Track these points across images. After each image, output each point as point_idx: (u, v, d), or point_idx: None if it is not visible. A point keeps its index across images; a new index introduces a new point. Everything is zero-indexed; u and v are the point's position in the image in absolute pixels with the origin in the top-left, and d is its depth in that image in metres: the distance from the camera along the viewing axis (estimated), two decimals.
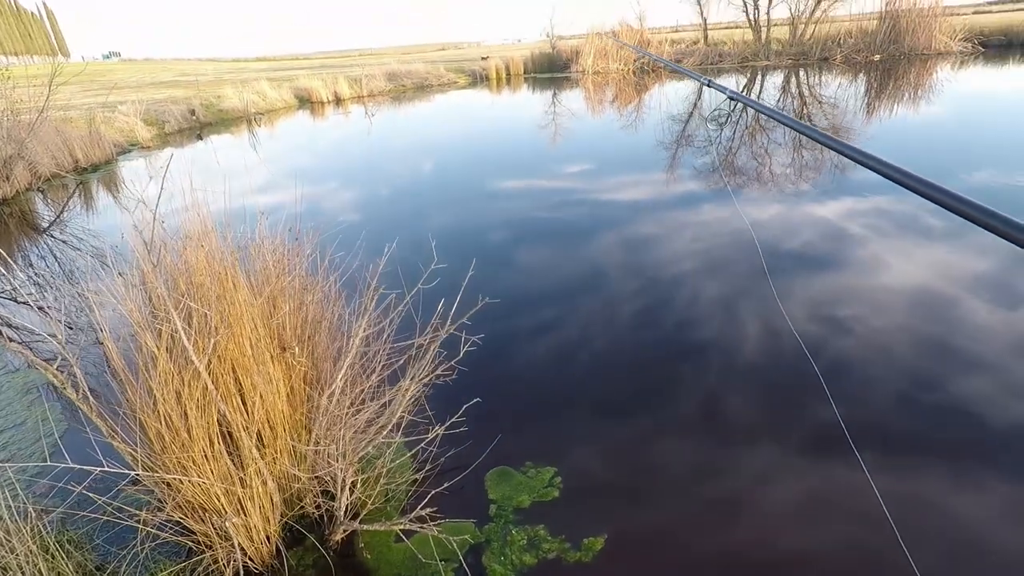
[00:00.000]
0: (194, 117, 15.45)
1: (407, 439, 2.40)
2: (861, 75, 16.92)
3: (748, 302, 4.02)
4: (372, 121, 15.63)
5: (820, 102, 12.80)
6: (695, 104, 14.11)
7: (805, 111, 11.80)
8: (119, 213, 7.81)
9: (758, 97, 14.39)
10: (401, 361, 2.56)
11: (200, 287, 2.12)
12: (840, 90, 14.46)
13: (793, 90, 15.38)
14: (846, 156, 1.25)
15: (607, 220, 6.11)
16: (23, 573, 2.05)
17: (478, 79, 24.60)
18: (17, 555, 2.05)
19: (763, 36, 22.41)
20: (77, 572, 2.24)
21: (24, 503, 2.24)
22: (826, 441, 2.65)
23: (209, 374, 2.04)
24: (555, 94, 18.14)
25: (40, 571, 2.11)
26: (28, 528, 2.16)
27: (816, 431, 2.74)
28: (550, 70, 24.41)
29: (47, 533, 2.26)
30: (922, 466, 2.51)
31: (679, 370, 3.33)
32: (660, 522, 2.33)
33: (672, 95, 15.93)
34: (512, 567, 2.16)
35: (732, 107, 12.86)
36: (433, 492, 2.37)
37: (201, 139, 13.72)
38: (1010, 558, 2.07)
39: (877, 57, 19.55)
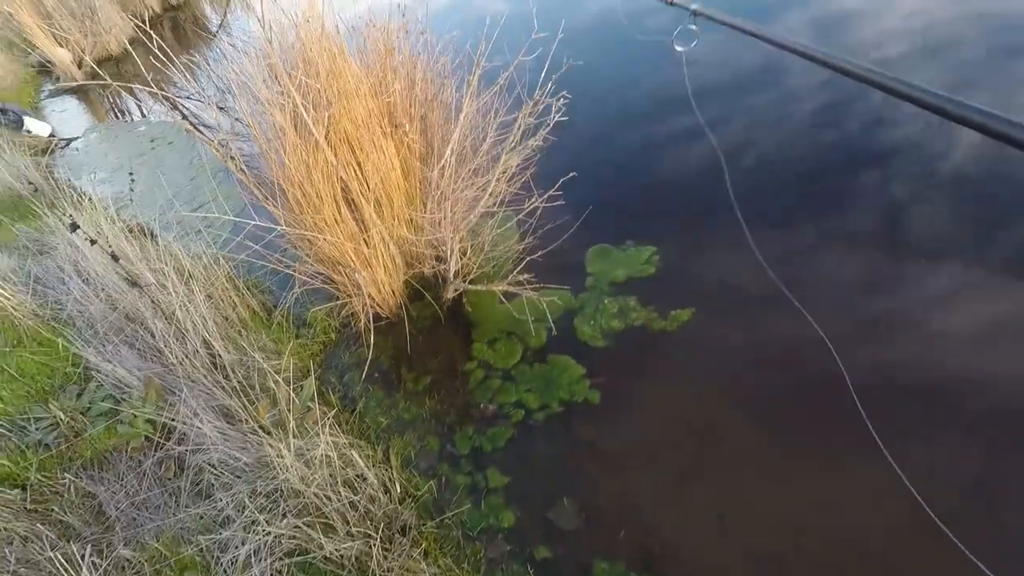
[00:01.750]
0: None
1: (513, 210, 2.52)
2: None
3: None
4: None
5: None
6: None
7: None
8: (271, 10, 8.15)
9: None
10: (507, 138, 2.58)
11: (312, 63, 2.25)
12: None
13: None
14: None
15: None
16: (223, 301, 2.70)
17: None
18: (216, 287, 2.68)
19: None
20: (260, 307, 2.89)
21: (217, 254, 2.85)
22: None
23: (329, 146, 2.26)
24: None
25: (235, 302, 2.76)
26: (222, 271, 2.78)
27: None
28: None
29: (236, 276, 2.89)
30: None
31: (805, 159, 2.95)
32: (741, 305, 2.30)
33: None
34: (599, 330, 2.34)
35: None
36: (536, 262, 2.53)
37: None
38: None
39: None
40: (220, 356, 2.40)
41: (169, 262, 2.65)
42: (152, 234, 3.69)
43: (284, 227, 2.40)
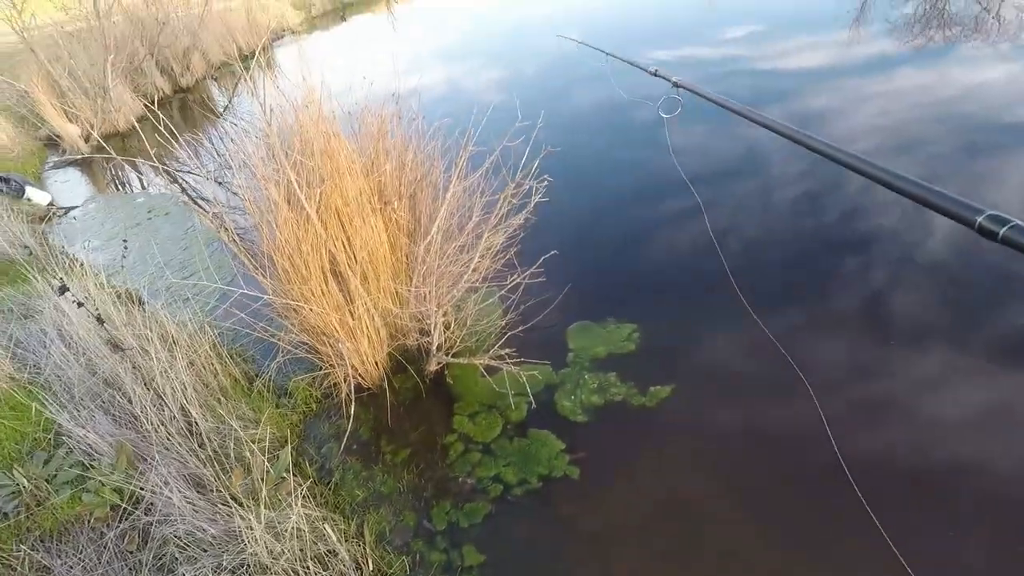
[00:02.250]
0: None
1: (497, 286, 2.60)
2: None
3: None
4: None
5: None
6: None
7: None
8: (275, 93, 8.63)
9: None
10: (492, 218, 2.71)
11: (308, 144, 2.40)
12: None
13: None
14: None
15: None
16: (205, 368, 2.70)
17: None
18: (199, 354, 2.69)
19: None
20: (242, 375, 2.89)
21: (203, 320, 2.89)
22: None
23: (319, 220, 2.36)
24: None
25: (216, 369, 2.76)
26: (207, 338, 2.80)
27: None
28: None
29: (220, 344, 2.91)
30: None
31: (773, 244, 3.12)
32: (722, 382, 2.36)
33: None
34: (580, 405, 2.36)
35: None
36: (518, 337, 2.58)
37: (344, 20, 14.23)
38: None
39: None
40: (197, 423, 2.37)
41: (154, 328, 2.68)
42: (140, 301, 3.72)
43: (271, 296, 2.46)
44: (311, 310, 2.44)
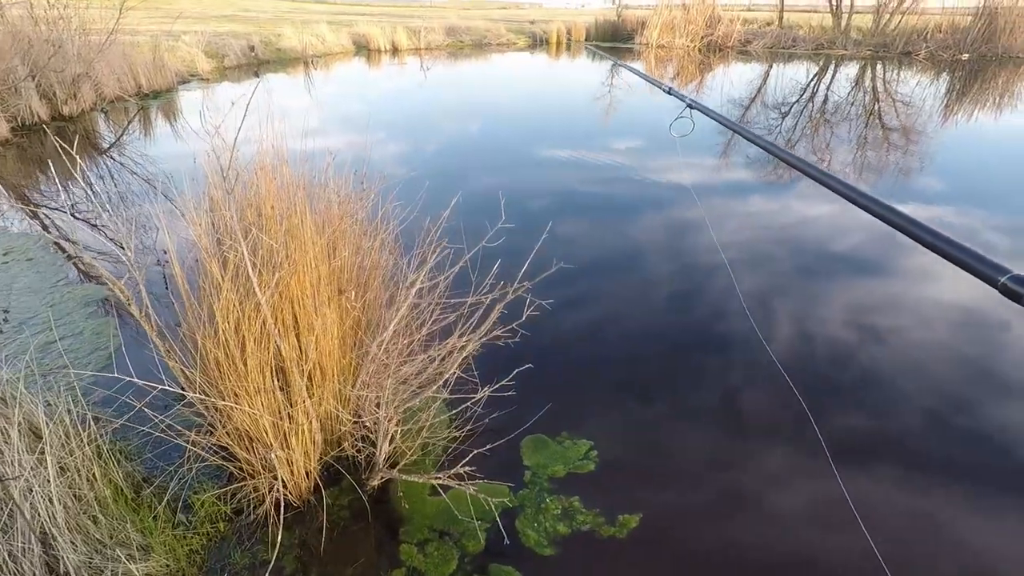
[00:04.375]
0: (253, 53, 15.51)
1: (452, 396, 2.39)
2: (944, 74, 15.87)
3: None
4: (427, 75, 15.45)
5: (893, 99, 12.08)
6: (759, 89, 13.48)
7: (876, 107, 11.16)
8: (175, 140, 7.95)
9: (827, 88, 13.68)
10: (451, 318, 2.54)
11: (269, 219, 2.12)
12: (919, 88, 13.61)
13: (867, 83, 14.55)
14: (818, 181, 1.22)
15: (653, 201, 5.94)
16: (79, 475, 2.14)
17: (537, 42, 23.98)
18: (75, 457, 2.14)
19: (843, 23, 21.15)
20: (126, 480, 2.33)
21: (84, 409, 2.33)
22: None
23: (270, 309, 2.05)
24: (614, 65, 17.58)
25: (94, 475, 2.20)
26: (86, 434, 2.25)
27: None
28: (613, 39, 23.61)
29: (102, 440, 2.35)
30: None
31: (723, 358, 3.24)
32: (695, 506, 2.29)
33: (736, 77, 15.25)
34: (545, 535, 2.15)
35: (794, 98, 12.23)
36: (471, 451, 2.36)
37: (258, 76, 13.78)
38: None
39: (965, 56, 18.26)
40: (64, 556, 1.83)
41: (14, 417, 2.10)
42: None
43: (193, 392, 2.05)
44: (242, 411, 2.05)
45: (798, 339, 3.41)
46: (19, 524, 1.85)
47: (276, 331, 2.05)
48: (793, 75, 15.75)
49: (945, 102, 11.88)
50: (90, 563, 1.89)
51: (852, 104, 11.44)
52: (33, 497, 1.89)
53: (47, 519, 1.90)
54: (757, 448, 2.62)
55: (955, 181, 6.86)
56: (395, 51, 19.89)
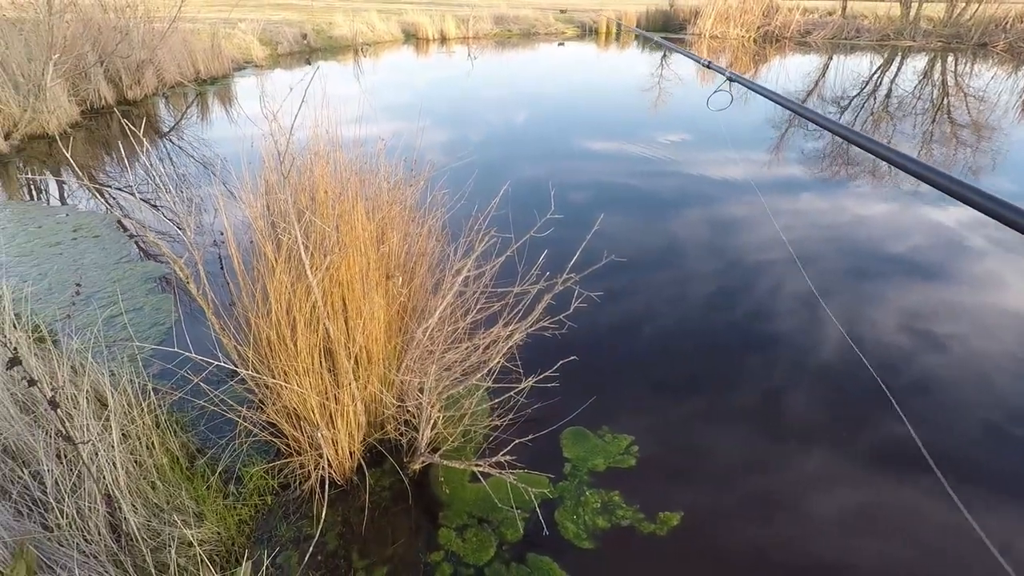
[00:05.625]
0: (305, 41, 15.83)
1: (495, 385, 2.39)
2: None
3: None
4: (474, 64, 15.45)
5: (965, 92, 11.39)
6: (816, 82, 12.92)
7: (946, 101, 10.55)
8: (230, 125, 8.21)
9: (892, 81, 13.00)
10: (496, 307, 2.54)
11: (322, 204, 2.16)
12: (994, 82, 12.78)
13: (936, 76, 13.76)
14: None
15: (704, 194, 5.79)
16: (140, 442, 2.25)
17: (587, 31, 23.66)
18: (136, 425, 2.25)
19: (912, 12, 20.03)
20: (182, 450, 2.44)
21: (145, 380, 2.45)
22: None
23: (320, 291, 2.09)
24: (664, 56, 17.17)
25: (153, 443, 2.31)
26: (146, 404, 2.36)
27: None
28: (664, 29, 23.04)
29: (160, 411, 2.46)
30: None
31: (766, 354, 3.14)
32: (738, 507, 2.24)
33: (793, 69, 14.67)
34: (584, 527, 2.14)
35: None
36: (512, 441, 2.36)
37: (309, 63, 14.07)
38: None
39: None
40: (126, 518, 1.93)
41: (83, 385, 2.22)
42: (54, 342, 3.16)
43: (246, 369, 2.12)
44: (291, 390, 2.11)
45: (864, 324, 3.28)
46: (87, 485, 1.96)
47: (325, 313, 2.10)
48: (855, 67, 15.04)
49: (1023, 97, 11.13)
50: (148, 525, 1.98)
51: (919, 98, 10.85)
52: (99, 460, 2.00)
53: (111, 482, 2.00)
54: (804, 450, 2.53)
55: None
56: (443, 39, 19.96)
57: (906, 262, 4.34)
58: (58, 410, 1.86)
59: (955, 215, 5.27)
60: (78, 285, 3.57)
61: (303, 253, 1.99)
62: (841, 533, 2.15)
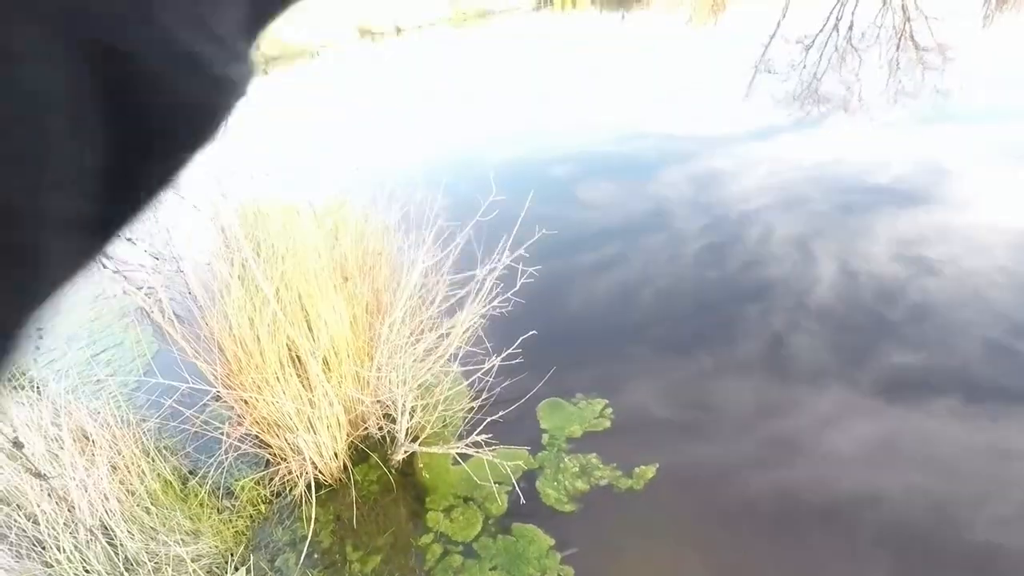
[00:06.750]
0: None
1: (464, 368, 2.46)
2: None
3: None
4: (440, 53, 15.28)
5: (926, 16, 11.33)
6: (777, 23, 12.80)
7: (907, 27, 10.51)
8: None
9: (852, 13, 12.91)
10: (461, 294, 2.60)
11: (266, 218, 2.20)
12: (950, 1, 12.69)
13: (895, 1, 13.66)
14: None
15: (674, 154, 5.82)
16: (129, 472, 2.32)
17: (542, 2, 23.35)
18: (123, 456, 2.31)
19: None
20: (173, 474, 2.51)
21: (127, 413, 2.51)
22: None
23: (278, 301, 2.15)
24: (623, 17, 16.99)
25: (143, 471, 2.38)
26: (131, 434, 2.43)
27: None
28: None
29: (147, 439, 2.53)
30: None
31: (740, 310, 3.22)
32: (713, 455, 2.33)
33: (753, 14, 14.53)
34: (565, 492, 2.23)
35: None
36: (488, 420, 2.44)
37: (265, 72, 13.89)
38: None
39: None
40: (122, 544, 2.01)
41: (65, 424, 2.29)
42: (36, 387, 3.21)
43: (220, 388, 2.18)
44: (265, 401, 2.18)
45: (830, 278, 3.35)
46: (77, 517, 2.04)
47: (286, 321, 2.16)
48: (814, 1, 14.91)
49: (984, 11, 11.08)
50: (147, 549, 2.06)
51: (880, 27, 10.81)
52: (90, 494, 2.07)
53: (103, 513, 2.08)
54: (795, 392, 2.62)
55: (1001, 95, 6.45)
56: (397, 29, 19.68)
57: (890, 191, 4.37)
58: (23, 449, 1.93)
59: (931, 137, 5.31)
60: (40, 329, 3.60)
61: (254, 266, 2.04)
62: (823, 470, 2.25)
